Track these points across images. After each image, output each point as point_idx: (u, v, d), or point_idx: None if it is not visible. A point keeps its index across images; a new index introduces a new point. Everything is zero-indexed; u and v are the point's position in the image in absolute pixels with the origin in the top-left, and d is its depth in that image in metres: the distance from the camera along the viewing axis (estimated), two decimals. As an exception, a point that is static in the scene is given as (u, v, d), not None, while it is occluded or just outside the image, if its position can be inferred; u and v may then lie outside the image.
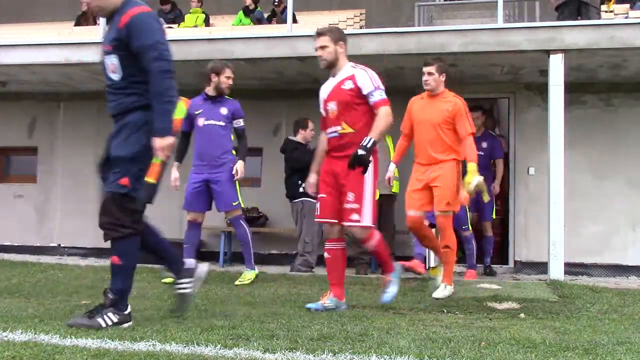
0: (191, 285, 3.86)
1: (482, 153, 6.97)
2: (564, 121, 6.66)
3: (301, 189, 7.27)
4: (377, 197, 7.11)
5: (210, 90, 6.04)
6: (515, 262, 8.00)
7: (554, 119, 6.65)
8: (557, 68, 6.66)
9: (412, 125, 5.41)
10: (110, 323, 3.40)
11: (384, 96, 4.35)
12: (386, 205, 7.38)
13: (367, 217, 4.31)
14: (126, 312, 3.51)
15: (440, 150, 5.19)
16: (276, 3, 10.02)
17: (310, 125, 7.41)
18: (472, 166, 5.01)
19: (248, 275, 6.01)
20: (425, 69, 5.27)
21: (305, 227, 7.33)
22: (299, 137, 7.49)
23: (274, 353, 2.86)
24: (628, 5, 8.63)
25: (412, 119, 5.41)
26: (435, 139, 5.20)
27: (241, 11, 10.26)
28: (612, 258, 7.79)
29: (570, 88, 7.06)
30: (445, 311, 4.39)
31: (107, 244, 3.52)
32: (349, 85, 4.34)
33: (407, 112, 5.50)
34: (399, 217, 7.81)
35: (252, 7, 10.14)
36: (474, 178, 4.95)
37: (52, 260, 8.08)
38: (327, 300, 4.38)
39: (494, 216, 7.53)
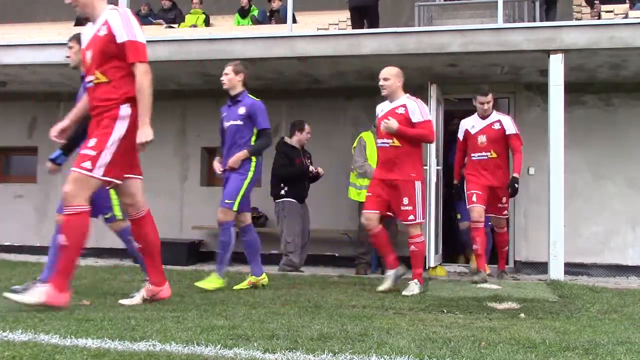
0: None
1: None
2: (564, 121, 6.66)
3: (283, 192, 7.31)
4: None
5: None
6: (515, 262, 8.00)
7: (554, 119, 6.66)
8: (557, 68, 6.66)
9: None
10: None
11: None
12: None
13: None
14: None
15: None
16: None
17: (307, 128, 7.41)
18: None
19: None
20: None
21: (285, 228, 7.35)
22: (294, 140, 7.47)
23: (274, 353, 2.86)
24: (627, 5, 8.64)
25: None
26: None
27: (237, 13, 10.27)
28: (612, 258, 7.79)
29: (570, 88, 7.06)
30: (445, 311, 4.39)
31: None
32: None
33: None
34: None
35: (247, 7, 10.16)
36: None
37: (52, 260, 8.06)
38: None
39: None
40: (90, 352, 2.77)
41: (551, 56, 6.67)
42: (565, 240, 6.57)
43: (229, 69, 5.62)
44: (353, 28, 8.74)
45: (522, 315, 4.32)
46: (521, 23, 8.52)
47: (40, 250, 9.11)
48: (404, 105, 5.44)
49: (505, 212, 6.59)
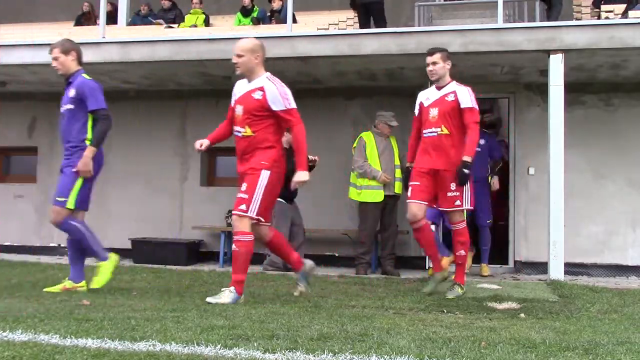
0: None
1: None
2: (564, 121, 6.66)
3: None
4: (382, 198, 7.19)
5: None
6: (515, 262, 8.00)
7: (554, 119, 6.66)
8: (557, 68, 6.66)
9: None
10: None
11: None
12: (390, 206, 7.39)
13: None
14: None
15: None
16: None
17: None
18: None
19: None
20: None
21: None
22: (284, 140, 7.45)
23: (274, 353, 2.86)
24: (625, 5, 8.62)
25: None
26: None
27: (239, 12, 10.28)
28: (612, 258, 7.79)
29: (570, 88, 7.06)
30: (445, 311, 4.39)
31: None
32: None
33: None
34: (401, 217, 7.82)
35: (249, 7, 10.16)
36: None
37: (52, 260, 8.08)
38: None
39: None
40: (90, 352, 2.77)
41: (551, 56, 6.67)
42: (565, 240, 6.57)
43: (56, 52, 5.02)
44: (361, 26, 8.73)
45: (522, 315, 4.32)
46: (521, 23, 8.51)
47: (40, 250, 9.13)
48: (262, 89, 4.60)
49: (457, 202, 5.17)
